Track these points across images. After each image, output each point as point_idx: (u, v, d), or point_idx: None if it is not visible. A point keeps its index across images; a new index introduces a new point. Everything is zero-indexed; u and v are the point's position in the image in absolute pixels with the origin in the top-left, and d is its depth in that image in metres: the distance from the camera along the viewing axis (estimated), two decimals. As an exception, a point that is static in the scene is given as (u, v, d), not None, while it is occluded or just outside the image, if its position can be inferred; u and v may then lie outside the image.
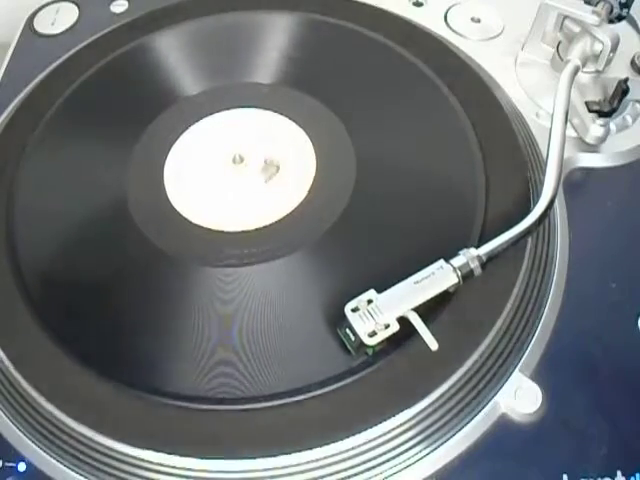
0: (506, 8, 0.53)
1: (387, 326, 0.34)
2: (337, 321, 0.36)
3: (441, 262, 0.36)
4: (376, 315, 0.34)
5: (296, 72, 0.49)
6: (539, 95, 0.48)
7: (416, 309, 0.35)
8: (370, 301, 0.35)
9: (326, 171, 0.44)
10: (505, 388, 0.36)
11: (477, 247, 0.36)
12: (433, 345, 0.33)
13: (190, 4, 0.53)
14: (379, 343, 0.34)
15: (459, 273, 0.35)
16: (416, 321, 0.34)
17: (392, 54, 0.48)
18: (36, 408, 0.36)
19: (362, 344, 0.34)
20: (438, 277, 0.35)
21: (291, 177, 0.44)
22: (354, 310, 0.35)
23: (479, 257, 0.36)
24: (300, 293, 0.39)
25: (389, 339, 0.34)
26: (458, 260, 0.36)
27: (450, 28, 0.53)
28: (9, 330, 0.38)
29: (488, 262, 0.36)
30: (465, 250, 0.36)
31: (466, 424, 0.35)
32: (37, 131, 0.46)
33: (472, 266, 0.35)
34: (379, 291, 0.35)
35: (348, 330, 0.35)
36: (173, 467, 0.34)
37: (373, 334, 0.34)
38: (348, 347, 0.35)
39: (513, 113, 0.46)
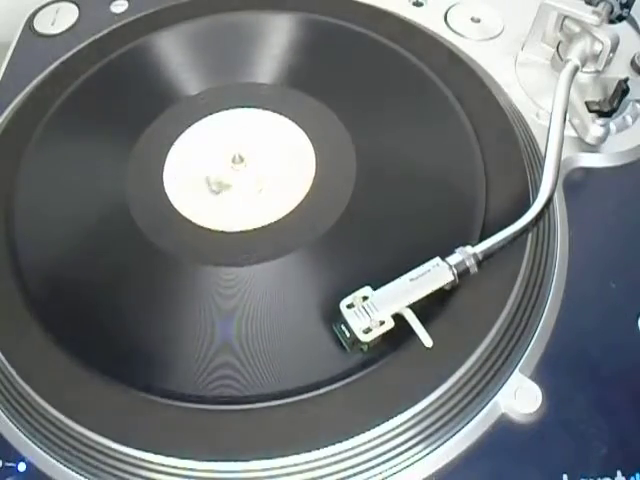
0: (506, 8, 0.53)
1: (382, 323, 0.34)
2: (334, 318, 0.36)
3: (437, 260, 0.36)
4: (371, 312, 0.34)
5: (296, 72, 0.49)
6: (539, 95, 0.48)
7: (415, 308, 0.34)
8: (365, 297, 0.35)
9: (326, 171, 0.44)
10: (505, 388, 0.36)
11: (475, 246, 0.36)
12: (427, 342, 0.33)
13: (190, 4, 0.53)
14: (374, 340, 0.34)
15: (455, 271, 0.35)
16: (411, 318, 0.34)
17: (392, 54, 0.49)
18: (36, 408, 0.36)
19: (357, 341, 0.34)
20: (434, 274, 0.35)
21: (291, 177, 0.44)
22: (349, 306, 0.35)
23: (475, 255, 0.36)
24: (300, 292, 0.39)
25: (384, 336, 0.34)
26: (454, 258, 0.36)
27: (450, 28, 0.53)
28: (9, 331, 0.38)
29: (485, 260, 0.36)
30: (461, 248, 0.36)
31: (466, 424, 0.35)
32: (37, 131, 0.46)
33: (468, 264, 0.35)
34: (377, 289, 0.35)
35: (343, 326, 0.35)
36: (173, 467, 0.34)
37: (368, 331, 0.34)
38: (343, 343, 0.35)
39: (513, 113, 0.46)
